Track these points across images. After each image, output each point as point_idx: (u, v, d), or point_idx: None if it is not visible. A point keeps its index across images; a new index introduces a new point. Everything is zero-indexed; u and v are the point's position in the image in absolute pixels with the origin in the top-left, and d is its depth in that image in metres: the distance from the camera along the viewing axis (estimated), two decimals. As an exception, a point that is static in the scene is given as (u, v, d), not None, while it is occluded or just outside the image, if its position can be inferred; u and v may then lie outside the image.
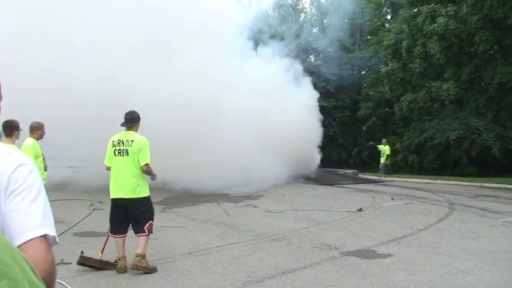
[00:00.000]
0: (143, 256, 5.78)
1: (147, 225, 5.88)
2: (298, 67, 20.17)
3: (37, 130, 7.25)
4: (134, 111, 6.10)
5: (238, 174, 14.09)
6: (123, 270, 5.79)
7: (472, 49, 20.55)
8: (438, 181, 17.76)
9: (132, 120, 6.03)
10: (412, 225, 8.91)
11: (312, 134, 19.19)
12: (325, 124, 26.23)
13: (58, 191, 11.60)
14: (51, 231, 1.29)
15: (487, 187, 15.98)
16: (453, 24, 19.09)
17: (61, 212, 9.83)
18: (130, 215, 5.91)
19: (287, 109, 17.20)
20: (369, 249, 7.09)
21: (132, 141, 5.88)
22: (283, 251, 6.91)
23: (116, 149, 5.92)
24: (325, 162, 24.30)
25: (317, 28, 33.73)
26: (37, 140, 7.26)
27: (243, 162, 14.09)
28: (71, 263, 6.05)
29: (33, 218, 1.26)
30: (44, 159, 7.36)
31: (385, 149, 22.20)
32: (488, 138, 19.20)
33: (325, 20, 34.86)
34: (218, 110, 13.88)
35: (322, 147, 23.37)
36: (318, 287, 5.24)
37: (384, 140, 22.77)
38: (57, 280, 5.20)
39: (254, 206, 11.30)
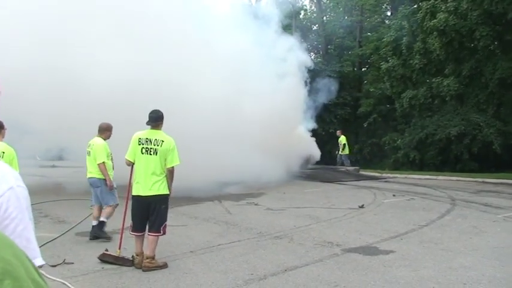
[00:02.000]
0: (153, 257, 5.90)
1: (162, 226, 6.02)
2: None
3: (106, 131, 7.54)
4: (159, 110, 6.16)
5: (211, 175, 12.81)
6: (140, 266, 5.87)
7: (472, 45, 20.47)
8: (439, 177, 17.76)
9: (158, 119, 6.10)
10: (414, 222, 8.90)
11: (293, 117, 17.84)
12: (326, 121, 26.27)
13: (59, 191, 11.61)
14: (41, 260, 1.30)
15: (489, 182, 15.97)
16: (453, 20, 19.03)
17: (63, 212, 9.85)
18: (151, 212, 5.98)
19: (264, 91, 15.71)
20: (371, 245, 7.08)
21: (162, 141, 5.99)
22: (285, 249, 6.91)
23: (143, 147, 5.99)
24: (326, 160, 24.31)
25: (317, 25, 33.69)
26: (105, 140, 7.61)
27: (216, 160, 12.65)
28: (73, 263, 6.06)
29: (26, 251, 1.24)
30: (112, 159, 7.67)
31: (340, 140, 22.50)
32: (489, 134, 19.15)
33: (325, 18, 34.82)
34: (180, 94, 12.33)
35: (324, 145, 23.39)
36: (320, 284, 5.23)
37: (338, 132, 23.02)
38: (60, 280, 5.22)
39: (255, 204, 11.29)
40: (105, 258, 6.11)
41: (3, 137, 6.25)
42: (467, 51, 20.76)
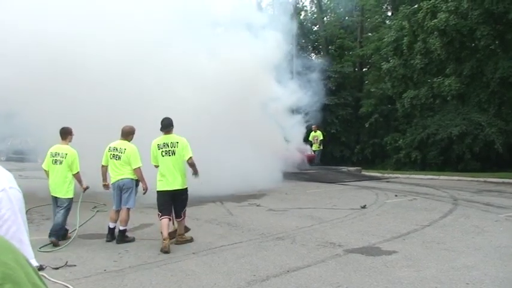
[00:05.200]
0: (182, 234, 7.38)
1: (183, 211, 7.42)
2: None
3: (131, 134, 7.85)
4: (169, 118, 7.46)
5: None
6: (167, 250, 6.80)
7: (473, 44, 20.44)
8: (441, 177, 17.72)
9: (168, 125, 7.40)
10: (416, 222, 8.89)
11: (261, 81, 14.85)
12: (327, 122, 26.24)
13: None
14: (34, 261, 1.30)
15: (491, 182, 15.93)
16: (454, 20, 19.00)
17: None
18: (175, 202, 7.33)
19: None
20: (373, 246, 7.08)
21: (177, 142, 7.30)
22: (287, 250, 6.91)
23: (162, 151, 7.26)
24: (328, 160, 24.28)
25: (317, 26, 33.67)
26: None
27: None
28: (75, 265, 6.07)
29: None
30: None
31: (317, 135, 21.46)
32: (491, 133, 19.11)
33: (325, 18, 34.80)
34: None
35: (325, 145, 23.31)
36: (323, 285, 5.23)
37: (313, 126, 21.57)
38: (62, 282, 5.22)
39: (257, 205, 11.29)
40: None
41: (69, 142, 7.79)
42: (468, 50, 20.73)
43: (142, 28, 11.84)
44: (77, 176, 7.67)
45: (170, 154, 7.24)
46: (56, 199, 7.67)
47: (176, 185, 7.27)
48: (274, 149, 15.46)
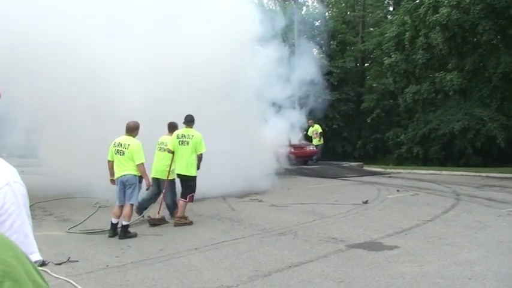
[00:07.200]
0: (181, 217, 8.48)
1: (189, 195, 8.55)
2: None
3: (136, 130, 8.00)
4: (191, 115, 8.82)
5: None
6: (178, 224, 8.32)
7: (475, 39, 20.37)
8: (443, 172, 17.70)
9: (190, 121, 8.78)
10: (418, 217, 8.88)
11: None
12: (329, 117, 26.20)
13: (63, 189, 11.61)
14: (38, 255, 1.30)
15: (493, 177, 15.91)
16: (456, 14, 18.92)
17: (67, 210, 9.87)
18: (183, 186, 8.67)
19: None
20: (376, 241, 7.08)
21: (193, 135, 8.63)
22: (289, 245, 6.91)
23: (180, 140, 8.63)
24: (330, 156, 24.27)
25: (319, 21, 33.59)
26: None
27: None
28: (77, 261, 6.08)
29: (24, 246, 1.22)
30: None
31: (315, 129, 20.91)
32: (493, 128, 19.06)
33: (327, 13, 34.70)
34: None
35: (327, 141, 23.27)
36: (325, 280, 5.23)
37: (310, 121, 20.94)
38: (65, 278, 5.23)
39: (259, 201, 11.29)
40: (153, 222, 8.49)
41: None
42: (470, 45, 20.66)
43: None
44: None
45: (185, 144, 8.58)
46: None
47: (182, 170, 8.53)
48: (260, 141, 14.04)
